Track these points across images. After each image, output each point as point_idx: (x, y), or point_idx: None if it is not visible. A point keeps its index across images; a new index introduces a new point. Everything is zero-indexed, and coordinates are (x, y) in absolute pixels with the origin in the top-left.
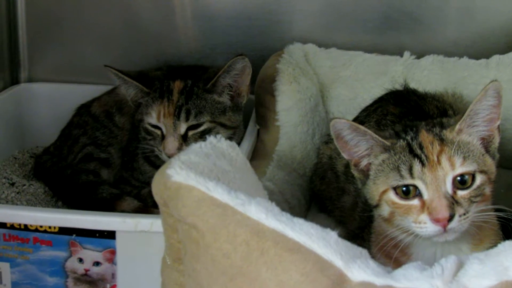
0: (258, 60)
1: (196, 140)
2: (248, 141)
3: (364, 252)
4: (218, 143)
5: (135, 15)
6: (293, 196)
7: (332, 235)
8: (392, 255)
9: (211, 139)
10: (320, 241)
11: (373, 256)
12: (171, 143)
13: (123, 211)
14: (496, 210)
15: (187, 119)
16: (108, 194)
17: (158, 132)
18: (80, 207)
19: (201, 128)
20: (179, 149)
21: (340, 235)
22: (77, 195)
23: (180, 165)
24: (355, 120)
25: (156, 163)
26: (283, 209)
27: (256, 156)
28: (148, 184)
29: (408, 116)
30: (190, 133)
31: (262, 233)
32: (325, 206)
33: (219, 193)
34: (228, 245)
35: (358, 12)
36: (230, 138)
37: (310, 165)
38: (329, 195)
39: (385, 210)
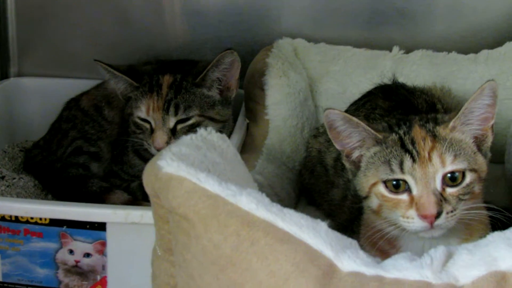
0: (247, 54)
1: (184, 134)
2: (237, 135)
3: (354, 242)
4: (208, 135)
5: (125, 10)
6: (283, 189)
7: (322, 226)
8: (380, 247)
9: (201, 131)
10: (310, 231)
11: (362, 248)
12: (160, 137)
13: (113, 204)
14: (486, 208)
15: (176, 113)
16: (98, 188)
17: (147, 126)
18: (70, 201)
19: (190, 122)
20: (168, 142)
21: (330, 226)
22: (67, 188)
23: (171, 156)
24: None
25: (146, 157)
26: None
27: (246, 150)
28: (137, 177)
29: (397, 110)
30: (179, 126)
31: (252, 223)
32: (314, 199)
33: (210, 184)
34: (219, 235)
35: (347, 7)
36: (219, 132)
37: (299, 158)
38: (318, 189)
39: (374, 202)
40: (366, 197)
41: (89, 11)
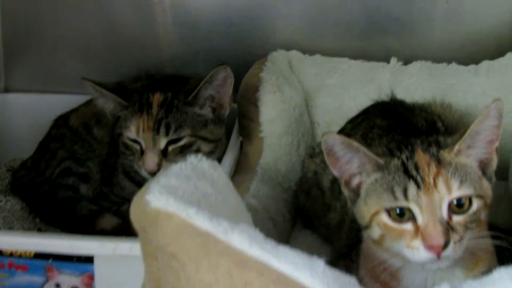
0: (241, 67)
1: (176, 155)
2: (231, 155)
3: (353, 281)
4: (199, 163)
5: (114, 23)
6: (278, 212)
7: (319, 264)
8: (381, 279)
9: (191, 159)
10: (306, 270)
11: (361, 279)
12: (151, 158)
13: (102, 228)
14: (493, 237)
15: (167, 134)
16: (87, 211)
17: (137, 147)
18: (58, 224)
19: (182, 143)
20: (159, 164)
21: (327, 256)
22: (56, 211)
23: (159, 189)
24: (341, 131)
25: (136, 179)
26: (267, 228)
27: (239, 170)
28: (128, 200)
29: (396, 129)
30: (170, 147)
31: (245, 263)
32: (311, 222)
33: (201, 220)
34: (210, 276)
35: (343, 17)
36: (212, 152)
37: (295, 178)
38: (315, 212)
39: (375, 232)
40: (367, 227)
41: (78, 25)
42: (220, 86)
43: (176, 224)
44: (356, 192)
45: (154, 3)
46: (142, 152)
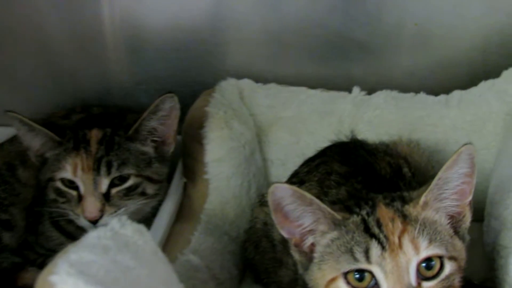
0: (188, 97)
1: (121, 199)
2: (172, 199)
3: None
4: (121, 229)
5: (46, 48)
6: (223, 268)
7: None
8: None
9: (114, 223)
10: None
11: None
12: (92, 204)
13: (24, 284)
14: None
15: (108, 173)
16: (9, 264)
17: (74, 193)
18: None
19: (127, 184)
20: (102, 210)
21: None
22: None
23: (68, 269)
24: (294, 175)
25: (67, 229)
26: None
27: (182, 216)
28: (55, 251)
29: (356, 176)
30: (114, 191)
31: None
32: (260, 278)
33: None
34: None
35: (301, 42)
36: (156, 194)
37: (245, 225)
38: (264, 267)
39: None
40: None
41: (8, 54)
42: (165, 118)
43: None
44: (309, 256)
45: (94, 25)
46: (80, 198)
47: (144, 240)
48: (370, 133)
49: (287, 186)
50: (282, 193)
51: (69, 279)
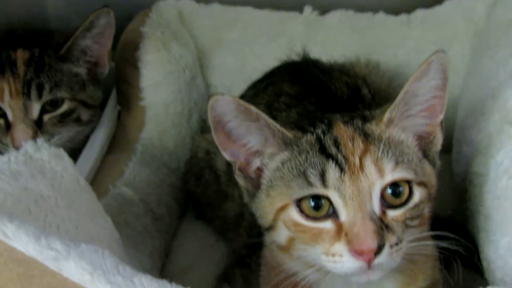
0: (122, 20)
1: (54, 126)
2: (104, 128)
3: None
4: (36, 153)
5: None
6: (161, 202)
7: None
8: None
9: (27, 146)
10: None
11: None
12: (22, 132)
13: None
14: (437, 237)
15: (40, 96)
16: None
17: (1, 120)
18: None
19: (61, 110)
20: (34, 138)
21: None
22: None
23: None
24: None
25: None
26: (144, 225)
27: (115, 146)
28: None
29: (308, 97)
30: (47, 117)
31: None
32: (203, 212)
33: (23, 242)
34: None
35: None
36: (91, 121)
37: (185, 156)
38: (208, 200)
39: (282, 235)
40: (271, 228)
41: None
42: (99, 36)
43: None
44: (255, 182)
45: None
46: (8, 126)
47: (63, 166)
48: (324, 57)
49: (230, 98)
50: (224, 107)
51: None
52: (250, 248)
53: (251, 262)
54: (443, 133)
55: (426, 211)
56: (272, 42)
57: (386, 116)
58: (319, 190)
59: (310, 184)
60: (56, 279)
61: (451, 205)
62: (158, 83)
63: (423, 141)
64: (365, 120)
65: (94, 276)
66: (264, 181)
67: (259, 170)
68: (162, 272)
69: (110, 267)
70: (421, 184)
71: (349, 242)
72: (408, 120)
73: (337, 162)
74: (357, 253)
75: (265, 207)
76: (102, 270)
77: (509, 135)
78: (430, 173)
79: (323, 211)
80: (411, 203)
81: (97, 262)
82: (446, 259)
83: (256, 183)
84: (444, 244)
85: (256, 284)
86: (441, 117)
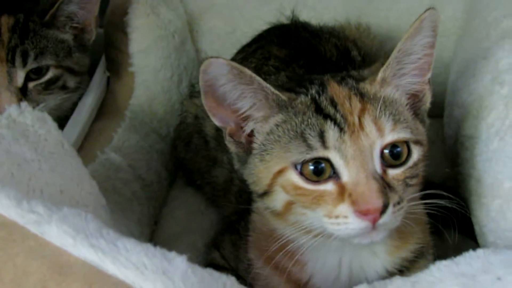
0: None
1: (40, 94)
2: (93, 94)
3: (230, 283)
4: (20, 116)
5: None
6: (150, 169)
7: (179, 265)
8: (279, 264)
9: (10, 110)
10: (157, 277)
11: (251, 264)
12: (6, 99)
13: None
14: (429, 197)
15: (24, 64)
16: None
17: None
18: None
19: (47, 77)
20: None
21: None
22: None
23: None
24: None
25: None
26: (132, 192)
27: (104, 113)
28: None
29: (297, 60)
30: (31, 84)
31: (67, 268)
32: (193, 179)
33: (4, 206)
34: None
35: None
36: (78, 88)
37: (175, 122)
38: (197, 166)
39: (278, 201)
40: (266, 194)
41: None
42: (85, 1)
43: None
44: (246, 147)
45: None
46: None
47: (47, 130)
48: (315, 21)
49: (223, 61)
50: (218, 70)
51: None
52: (240, 214)
53: (240, 227)
54: (431, 91)
55: (422, 169)
56: (262, 7)
57: (380, 75)
58: (319, 152)
59: (309, 146)
60: (38, 243)
61: (443, 172)
62: (147, 48)
63: (414, 100)
64: (356, 80)
65: (76, 239)
66: (256, 145)
67: (250, 135)
68: (151, 239)
69: (93, 231)
70: (417, 142)
71: (354, 203)
72: (400, 79)
73: (335, 122)
74: (362, 213)
75: (260, 172)
76: (84, 233)
77: (500, 96)
78: (422, 132)
79: (325, 175)
80: (410, 162)
81: (79, 226)
82: (439, 224)
83: (247, 148)
84: (440, 201)
85: (244, 249)
86: (429, 75)
